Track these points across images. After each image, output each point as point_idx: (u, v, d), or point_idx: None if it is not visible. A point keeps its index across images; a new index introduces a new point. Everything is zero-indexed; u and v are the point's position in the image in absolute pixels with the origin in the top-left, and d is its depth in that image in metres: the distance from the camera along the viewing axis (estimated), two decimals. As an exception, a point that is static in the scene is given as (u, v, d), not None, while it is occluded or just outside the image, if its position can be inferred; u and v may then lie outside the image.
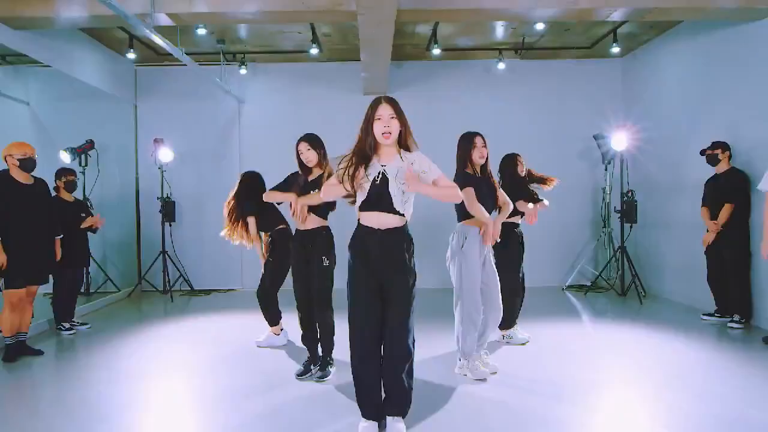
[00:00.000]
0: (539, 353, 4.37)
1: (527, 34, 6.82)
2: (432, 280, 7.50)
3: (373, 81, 7.11)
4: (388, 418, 2.76)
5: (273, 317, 4.61)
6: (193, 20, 5.09)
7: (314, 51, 6.53)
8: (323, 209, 3.83)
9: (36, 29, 5.36)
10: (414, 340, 2.77)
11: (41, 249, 4.48)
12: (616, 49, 6.70)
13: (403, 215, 2.72)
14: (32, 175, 4.49)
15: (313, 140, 3.92)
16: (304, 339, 3.97)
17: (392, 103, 2.69)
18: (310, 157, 3.86)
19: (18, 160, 4.33)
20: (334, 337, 3.81)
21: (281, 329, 4.66)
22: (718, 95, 5.77)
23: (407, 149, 2.74)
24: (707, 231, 5.29)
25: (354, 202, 2.78)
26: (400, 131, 2.69)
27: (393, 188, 2.65)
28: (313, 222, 3.81)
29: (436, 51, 6.57)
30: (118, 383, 3.77)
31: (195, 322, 5.82)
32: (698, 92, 6.10)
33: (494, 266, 3.75)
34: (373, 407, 2.77)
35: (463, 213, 3.66)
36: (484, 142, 3.70)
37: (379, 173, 2.66)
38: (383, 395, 2.79)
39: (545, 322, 5.43)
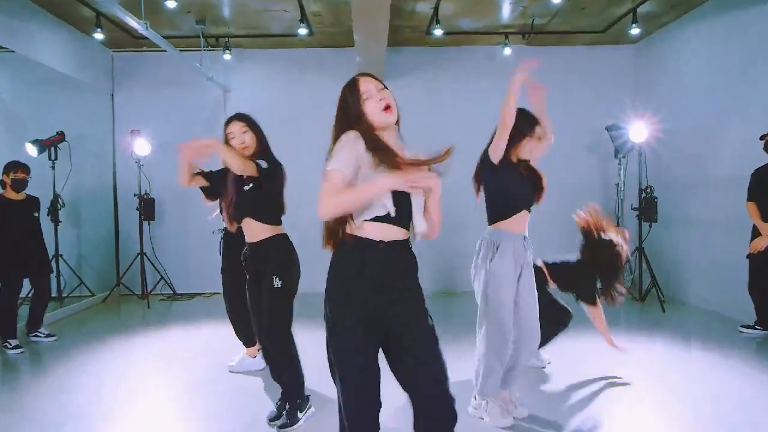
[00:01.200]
0: (558, 375, 3.61)
1: (538, 15, 6.03)
2: (432, 284, 6.77)
3: (368, 67, 6.28)
4: None
5: (247, 337, 3.80)
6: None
7: (303, 31, 5.72)
8: (272, 212, 2.93)
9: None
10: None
11: None
12: (635, 31, 5.91)
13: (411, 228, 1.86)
14: None
15: (250, 120, 2.97)
16: (272, 373, 3.07)
17: (372, 75, 1.89)
18: (246, 140, 2.89)
19: None
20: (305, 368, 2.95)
21: (258, 350, 3.85)
22: (753, 79, 5.00)
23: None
24: (754, 233, 4.46)
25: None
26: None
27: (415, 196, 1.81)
28: (263, 231, 2.89)
29: (438, 32, 5.77)
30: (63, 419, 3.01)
31: (171, 333, 5.03)
32: (729, 77, 5.33)
33: (533, 283, 2.86)
34: None
35: (495, 212, 2.78)
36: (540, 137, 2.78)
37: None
38: None
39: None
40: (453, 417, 1.74)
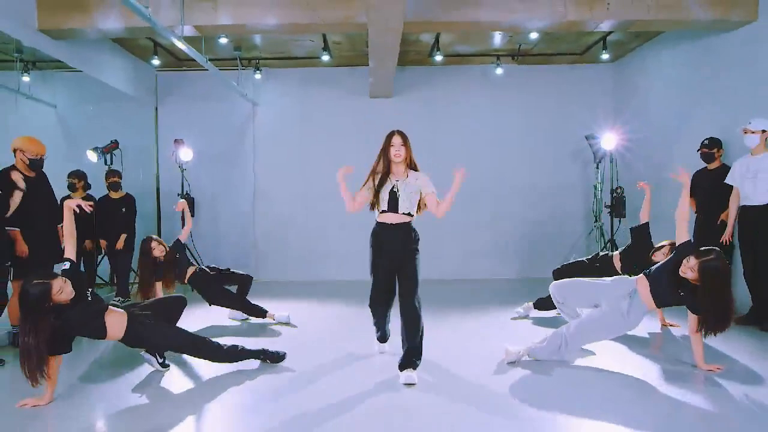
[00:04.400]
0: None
1: (523, 42, 7.18)
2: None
3: (379, 85, 7.47)
4: (405, 371, 3.46)
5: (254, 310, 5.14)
6: (217, 32, 5.46)
7: (325, 58, 6.88)
8: None
9: (73, 39, 5.71)
10: (420, 304, 3.60)
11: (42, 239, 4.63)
12: (605, 56, 7.07)
13: (410, 215, 3.60)
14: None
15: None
16: None
17: (402, 135, 3.60)
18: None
19: (29, 159, 4.47)
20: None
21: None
22: (699, 99, 6.13)
23: (414, 168, 3.66)
24: (696, 228, 5.53)
25: (373, 207, 3.64)
26: (407, 155, 3.60)
27: (403, 197, 3.54)
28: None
29: (438, 58, 6.93)
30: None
31: (209, 311, 5.62)
32: (682, 96, 6.46)
33: None
34: (383, 333, 4.01)
35: None
36: None
37: (393, 186, 3.55)
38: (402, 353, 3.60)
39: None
40: (418, 316, 3.55)
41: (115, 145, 7.23)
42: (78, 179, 6.26)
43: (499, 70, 7.83)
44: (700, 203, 5.56)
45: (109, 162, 7.19)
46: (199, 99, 8.19)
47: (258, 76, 7.91)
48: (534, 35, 6.20)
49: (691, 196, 5.66)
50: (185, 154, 7.51)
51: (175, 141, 7.61)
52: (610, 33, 6.67)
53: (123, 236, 6.35)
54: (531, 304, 5.22)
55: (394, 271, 3.60)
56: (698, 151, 5.52)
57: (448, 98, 8.23)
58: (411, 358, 3.49)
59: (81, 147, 7.07)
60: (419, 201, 3.63)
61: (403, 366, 3.49)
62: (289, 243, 8.30)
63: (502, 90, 8.22)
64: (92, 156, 6.99)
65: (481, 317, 5.46)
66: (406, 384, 3.37)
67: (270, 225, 8.35)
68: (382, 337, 4.06)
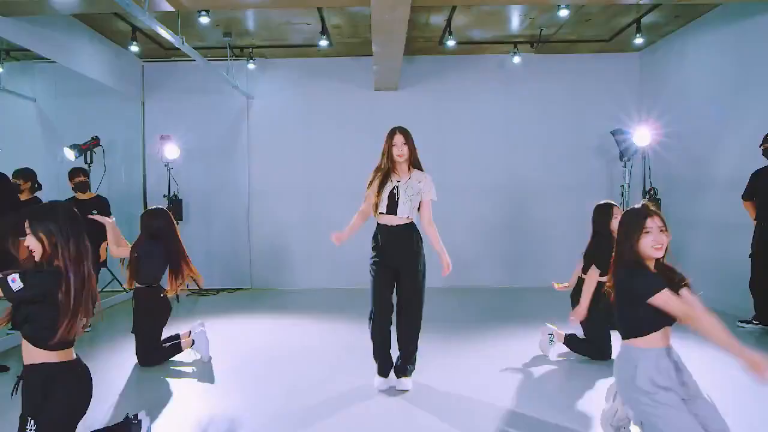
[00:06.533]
0: (567, 370, 3.73)
1: (545, 26, 6.15)
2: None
3: (384, 75, 6.47)
4: (400, 378, 3.33)
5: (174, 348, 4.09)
6: (194, 5, 4.46)
7: (324, 43, 5.88)
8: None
9: (26, 15, 4.73)
10: (421, 314, 3.33)
11: None
12: (639, 40, 6.01)
13: (408, 218, 3.29)
14: None
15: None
16: None
17: (404, 132, 3.30)
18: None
19: None
20: None
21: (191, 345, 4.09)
22: (751, 86, 5.09)
23: (418, 166, 3.35)
24: (756, 232, 4.56)
25: (376, 208, 3.29)
26: (411, 153, 3.29)
27: (402, 199, 3.24)
28: None
29: (451, 43, 5.91)
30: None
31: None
32: (729, 84, 5.42)
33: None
34: (385, 366, 3.35)
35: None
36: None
37: (394, 188, 3.25)
38: (395, 360, 3.38)
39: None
40: (417, 326, 3.32)
41: (95, 141, 6.35)
42: (24, 180, 4.90)
43: (516, 59, 6.80)
44: (762, 208, 4.51)
45: (88, 161, 6.30)
46: (189, 92, 7.25)
47: (251, 66, 6.92)
48: (564, 12, 5.12)
49: (749, 199, 4.64)
50: (171, 151, 6.55)
51: (161, 137, 6.68)
52: (649, 11, 5.60)
53: (104, 245, 5.37)
54: (560, 335, 4.02)
55: (395, 274, 3.28)
56: (760, 146, 4.51)
57: (459, 91, 7.23)
58: (405, 365, 3.36)
59: (63, 143, 6.23)
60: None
61: (398, 374, 3.36)
62: (286, 248, 7.34)
63: (519, 82, 7.21)
64: (69, 154, 6.11)
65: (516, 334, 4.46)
66: (400, 390, 3.30)
67: (266, 228, 7.38)
68: (382, 368, 3.36)
